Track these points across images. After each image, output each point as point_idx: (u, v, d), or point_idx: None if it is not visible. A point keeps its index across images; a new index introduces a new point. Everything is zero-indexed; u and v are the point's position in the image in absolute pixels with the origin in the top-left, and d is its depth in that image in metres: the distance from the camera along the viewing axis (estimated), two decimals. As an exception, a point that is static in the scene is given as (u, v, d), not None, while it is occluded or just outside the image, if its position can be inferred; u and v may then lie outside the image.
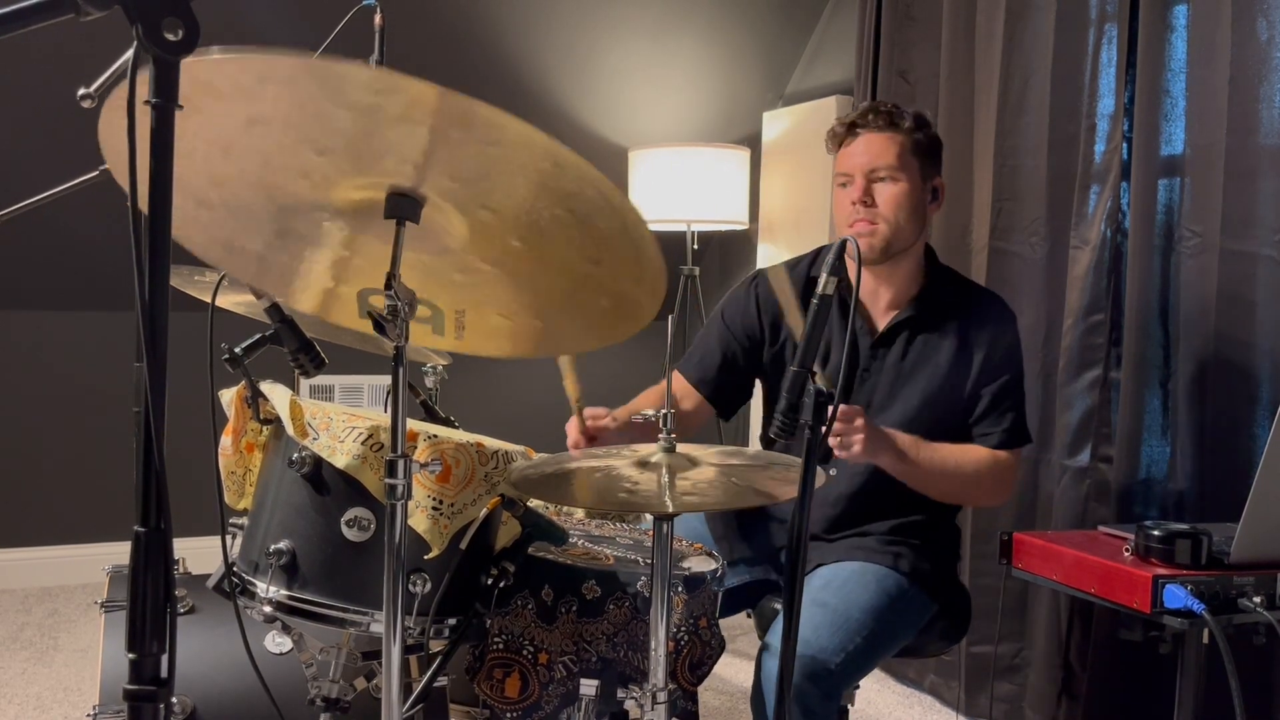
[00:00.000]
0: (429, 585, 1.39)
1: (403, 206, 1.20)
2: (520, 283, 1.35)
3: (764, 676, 1.68)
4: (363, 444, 1.37)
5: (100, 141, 1.11)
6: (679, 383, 2.08)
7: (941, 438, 1.87)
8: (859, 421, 1.68)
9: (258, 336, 1.48)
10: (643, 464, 1.40)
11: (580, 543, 1.72)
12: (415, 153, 1.13)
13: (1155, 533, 1.58)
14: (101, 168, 1.33)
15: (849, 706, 1.86)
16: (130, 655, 0.81)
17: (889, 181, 1.86)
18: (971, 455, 1.88)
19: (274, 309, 1.48)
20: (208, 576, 1.49)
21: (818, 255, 2.01)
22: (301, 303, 1.45)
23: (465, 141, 1.11)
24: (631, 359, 4.41)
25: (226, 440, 1.57)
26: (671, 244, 3.58)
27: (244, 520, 1.54)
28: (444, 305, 1.41)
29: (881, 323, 1.95)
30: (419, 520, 1.38)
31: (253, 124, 1.09)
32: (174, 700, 1.60)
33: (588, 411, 1.78)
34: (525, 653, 1.50)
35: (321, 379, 3.81)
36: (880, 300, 1.96)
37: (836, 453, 1.68)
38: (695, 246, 3.65)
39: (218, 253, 1.34)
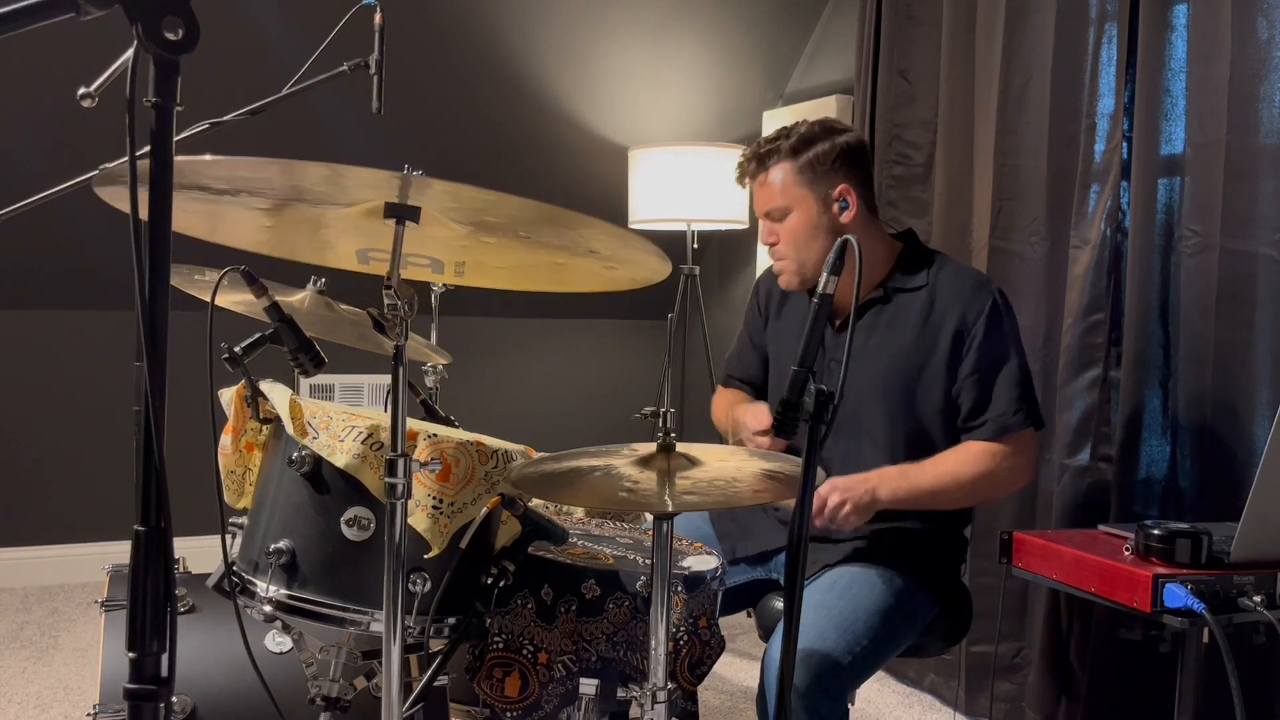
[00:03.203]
0: (429, 584, 1.39)
1: (402, 210, 1.21)
2: (520, 249, 1.38)
3: (769, 678, 1.68)
4: (363, 443, 1.37)
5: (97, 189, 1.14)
6: (729, 393, 2.20)
7: (918, 420, 1.88)
8: (833, 500, 1.75)
9: (257, 336, 1.48)
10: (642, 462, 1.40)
11: (580, 542, 1.72)
12: (410, 192, 1.17)
13: (1155, 532, 1.58)
14: (101, 167, 1.33)
15: (849, 706, 1.86)
16: (130, 654, 0.81)
17: (782, 219, 1.92)
18: (967, 457, 1.86)
19: (274, 308, 1.48)
20: (208, 576, 1.49)
21: None
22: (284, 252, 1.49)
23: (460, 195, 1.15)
24: (632, 358, 4.42)
25: (226, 440, 1.57)
26: (671, 244, 3.57)
27: (244, 520, 1.54)
28: (445, 258, 1.43)
29: (844, 312, 1.96)
30: (419, 519, 1.38)
31: (246, 180, 1.12)
32: (174, 699, 1.60)
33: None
34: (525, 652, 1.50)
35: (321, 378, 3.81)
36: (843, 291, 1.96)
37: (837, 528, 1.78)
38: (695, 246, 3.64)
39: (202, 229, 1.36)
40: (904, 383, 1.89)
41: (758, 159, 1.93)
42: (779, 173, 1.90)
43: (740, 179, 1.99)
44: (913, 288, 1.92)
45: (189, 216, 1.33)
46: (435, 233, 1.30)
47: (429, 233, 1.30)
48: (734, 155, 3.47)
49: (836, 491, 1.76)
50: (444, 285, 2.64)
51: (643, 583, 1.49)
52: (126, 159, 0.79)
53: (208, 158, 1.04)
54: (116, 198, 1.21)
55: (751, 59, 3.77)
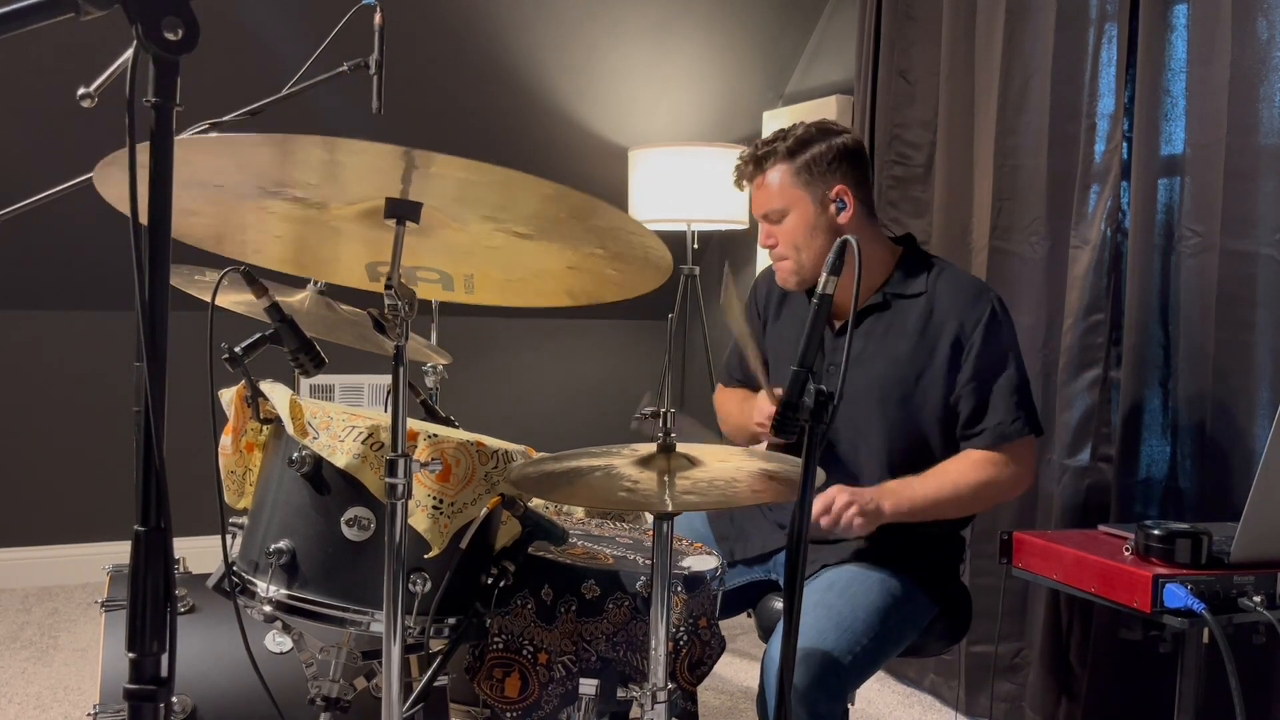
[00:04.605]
0: (429, 585, 1.39)
1: (403, 207, 1.21)
2: (526, 256, 1.37)
3: (769, 678, 1.68)
4: (363, 443, 1.37)
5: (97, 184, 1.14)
6: (733, 392, 2.19)
7: (915, 427, 1.88)
8: (841, 499, 1.73)
9: (258, 336, 1.48)
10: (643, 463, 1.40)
11: (580, 542, 1.72)
12: (413, 181, 1.17)
13: (1155, 532, 1.58)
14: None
15: (849, 706, 1.86)
16: (130, 655, 0.81)
17: (779, 220, 1.92)
18: (967, 466, 1.85)
19: (274, 309, 1.48)
20: (208, 576, 1.49)
21: None
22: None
23: (462, 178, 1.15)
24: (632, 358, 4.42)
25: (226, 440, 1.57)
26: (671, 244, 3.56)
27: (244, 520, 1.54)
28: (452, 271, 1.43)
29: (843, 315, 1.96)
30: (419, 519, 1.38)
31: (243, 168, 1.12)
32: (174, 700, 1.60)
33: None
34: (525, 652, 1.50)
35: (321, 378, 3.81)
36: (842, 294, 1.96)
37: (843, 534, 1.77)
38: (695, 246, 3.64)
39: (210, 242, 1.36)
40: (902, 390, 1.88)
41: (755, 161, 1.94)
42: (776, 174, 1.90)
43: (738, 181, 1.99)
44: (912, 294, 1.91)
45: (193, 225, 1.33)
46: (438, 237, 1.30)
47: (432, 237, 1.29)
48: (734, 155, 3.45)
49: (845, 493, 1.76)
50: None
51: (643, 583, 1.49)
52: (126, 158, 0.79)
53: (213, 135, 1.05)
54: (117, 198, 1.21)
55: (751, 59, 3.77)
